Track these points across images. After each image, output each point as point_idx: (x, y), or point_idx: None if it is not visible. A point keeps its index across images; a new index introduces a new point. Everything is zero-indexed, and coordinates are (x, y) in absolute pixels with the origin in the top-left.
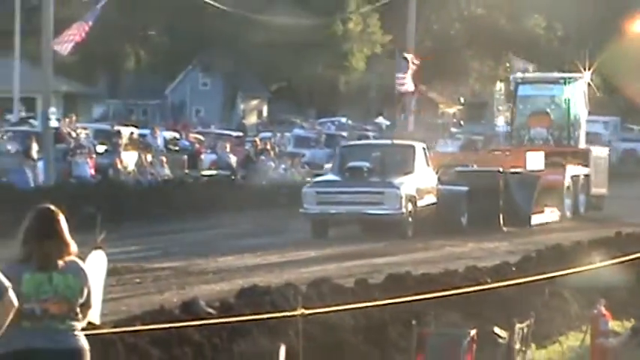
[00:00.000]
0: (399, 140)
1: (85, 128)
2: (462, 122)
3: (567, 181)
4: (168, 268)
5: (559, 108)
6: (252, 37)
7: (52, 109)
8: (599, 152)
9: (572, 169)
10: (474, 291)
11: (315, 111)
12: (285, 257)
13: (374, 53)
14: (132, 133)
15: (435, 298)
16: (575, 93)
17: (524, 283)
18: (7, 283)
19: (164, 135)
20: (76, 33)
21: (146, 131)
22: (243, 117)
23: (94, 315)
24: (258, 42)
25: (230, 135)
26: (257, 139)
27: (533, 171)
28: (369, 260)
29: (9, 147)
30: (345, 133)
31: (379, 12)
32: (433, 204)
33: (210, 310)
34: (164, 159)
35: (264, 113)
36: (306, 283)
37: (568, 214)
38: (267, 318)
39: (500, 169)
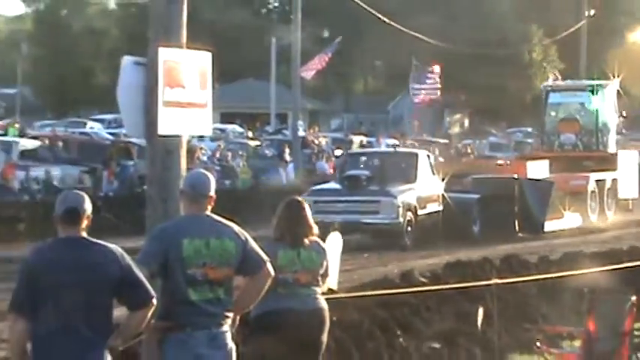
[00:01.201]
0: (402, 148)
1: (325, 137)
2: (623, 131)
3: (591, 186)
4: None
5: (588, 114)
6: (457, 64)
7: (300, 122)
8: (629, 156)
9: (598, 174)
10: (635, 265)
11: (506, 122)
12: (485, 239)
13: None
14: (361, 140)
15: (602, 271)
16: (604, 99)
17: None
18: (265, 257)
19: (386, 141)
20: (318, 63)
21: (372, 139)
22: (449, 128)
23: (333, 282)
24: (461, 69)
25: (439, 142)
26: (459, 145)
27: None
28: (550, 241)
29: (267, 152)
30: (530, 140)
31: (557, 44)
32: (437, 212)
33: (423, 280)
34: None
35: (466, 124)
36: (499, 258)
37: (593, 218)
38: (468, 286)
39: (516, 176)
